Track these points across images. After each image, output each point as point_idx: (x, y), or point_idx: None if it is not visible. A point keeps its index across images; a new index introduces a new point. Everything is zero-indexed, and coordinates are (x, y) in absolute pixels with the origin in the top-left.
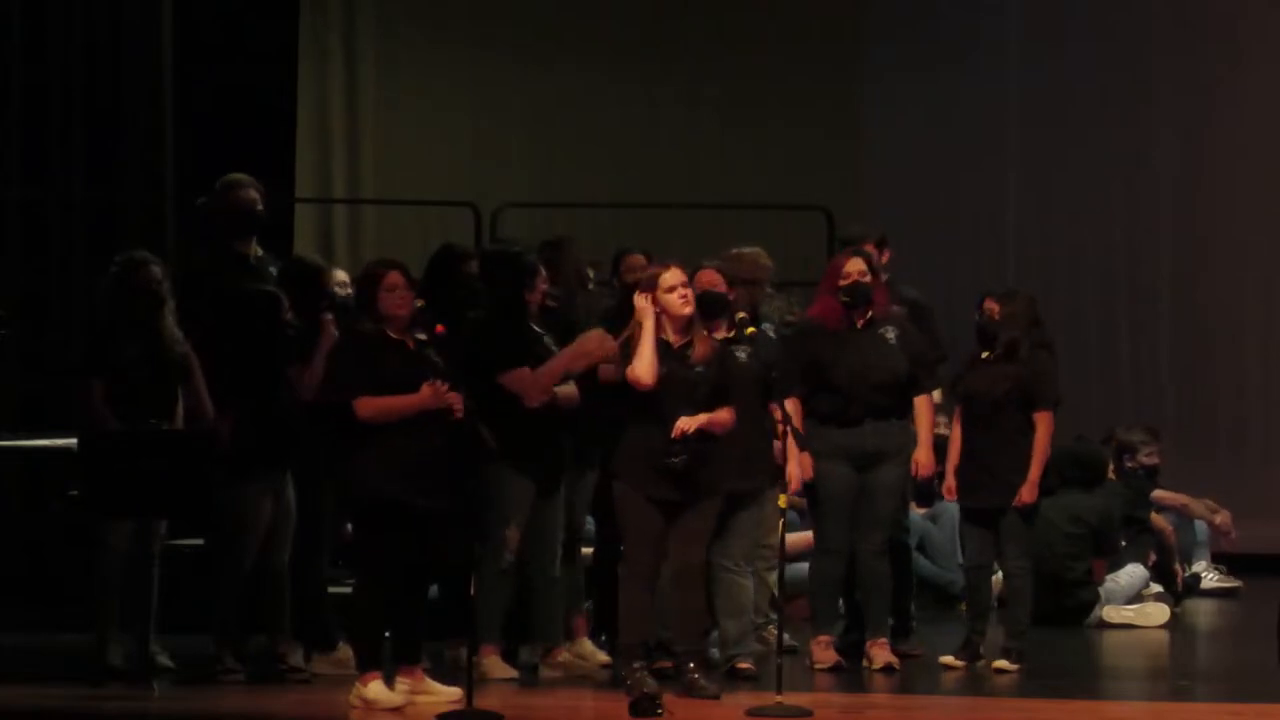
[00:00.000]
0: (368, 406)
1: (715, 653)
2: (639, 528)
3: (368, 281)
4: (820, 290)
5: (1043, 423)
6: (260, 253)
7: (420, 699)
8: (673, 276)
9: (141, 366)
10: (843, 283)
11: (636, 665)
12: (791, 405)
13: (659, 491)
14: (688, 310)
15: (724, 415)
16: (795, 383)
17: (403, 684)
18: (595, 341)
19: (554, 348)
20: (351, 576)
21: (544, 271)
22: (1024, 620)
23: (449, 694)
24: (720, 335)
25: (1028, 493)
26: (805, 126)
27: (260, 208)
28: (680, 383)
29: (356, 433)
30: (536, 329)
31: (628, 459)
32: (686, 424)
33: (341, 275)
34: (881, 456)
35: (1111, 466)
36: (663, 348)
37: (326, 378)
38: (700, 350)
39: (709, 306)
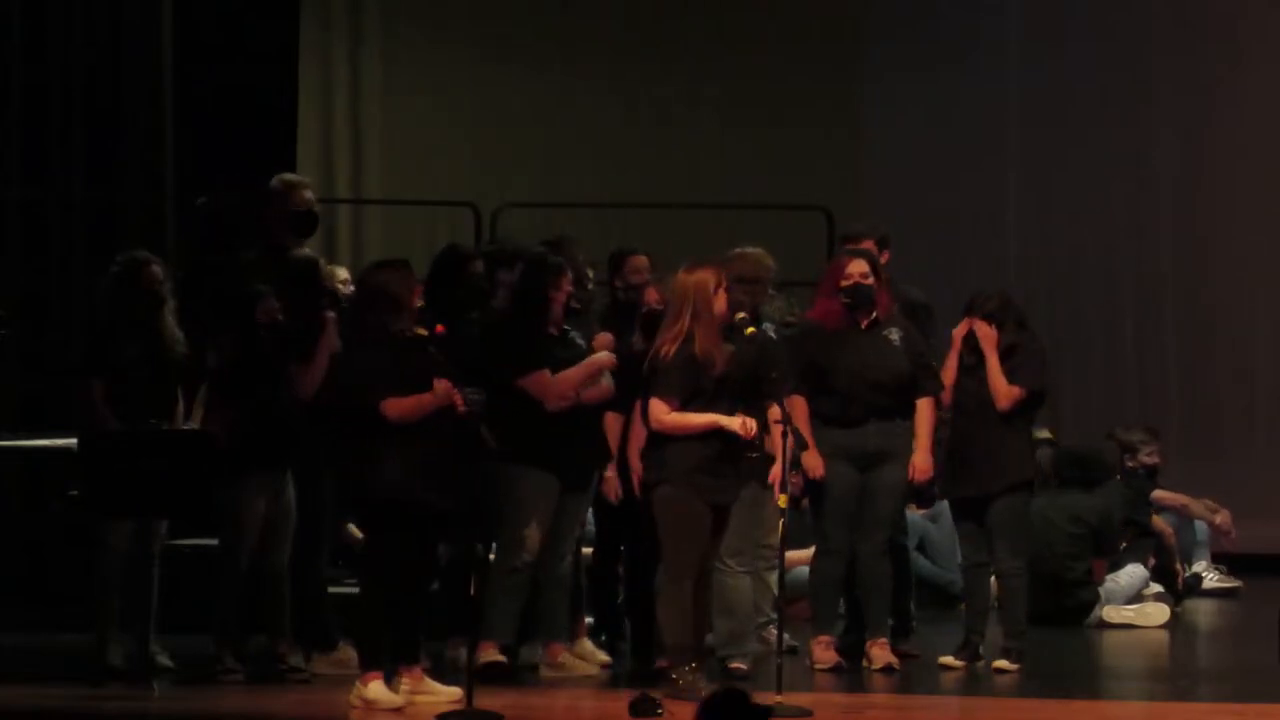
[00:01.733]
0: (396, 408)
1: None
2: (692, 531)
3: (405, 280)
4: (820, 291)
5: (1015, 393)
6: (307, 252)
7: (420, 699)
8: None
9: (141, 366)
10: (844, 284)
11: (688, 667)
12: (796, 404)
13: (718, 495)
14: (739, 314)
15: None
16: (799, 382)
17: (403, 684)
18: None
19: (580, 342)
20: (352, 576)
21: (569, 272)
22: (1021, 620)
23: (449, 694)
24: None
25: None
26: (805, 126)
27: (317, 208)
28: (732, 382)
29: (380, 433)
30: (565, 327)
31: (682, 463)
32: (754, 424)
33: (343, 273)
34: (884, 457)
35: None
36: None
37: (358, 379)
38: (735, 352)
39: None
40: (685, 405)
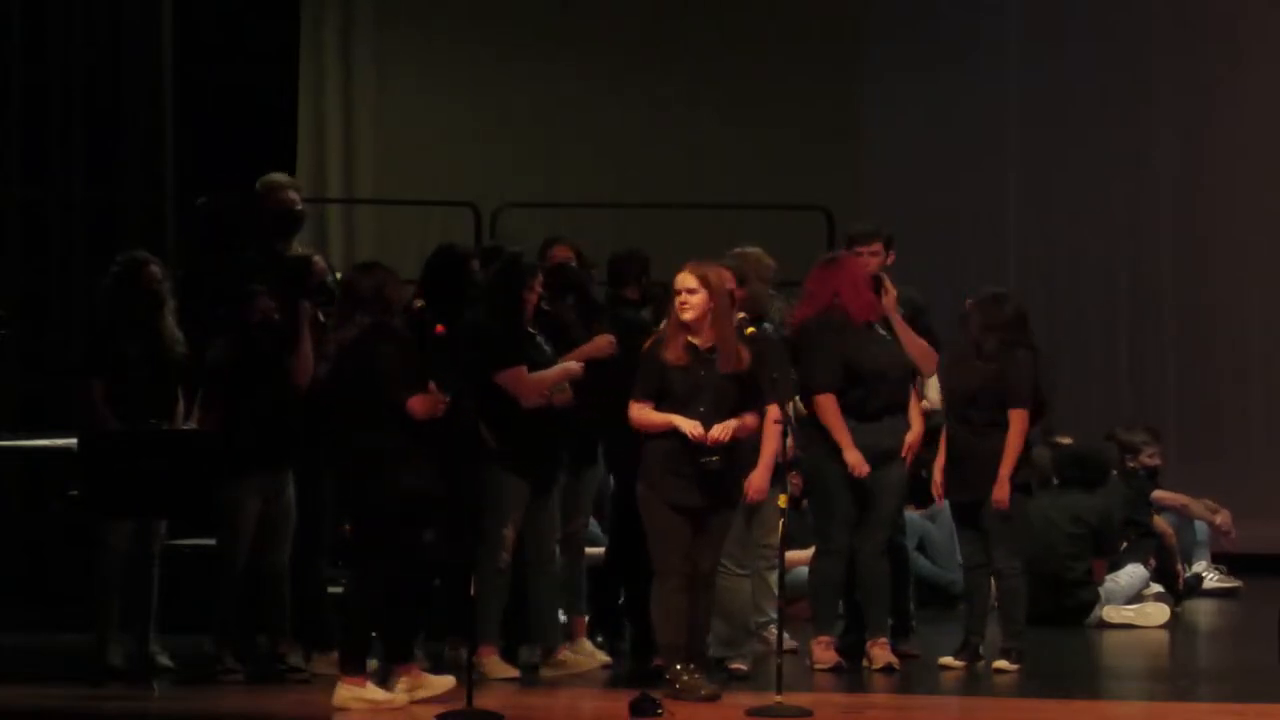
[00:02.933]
0: (424, 405)
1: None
2: (662, 530)
3: (391, 278)
4: (854, 285)
5: (1015, 421)
6: (300, 251)
7: (420, 694)
8: (679, 281)
9: (141, 366)
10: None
11: (680, 667)
12: (829, 402)
13: (683, 498)
14: (685, 316)
15: (751, 420)
16: (832, 379)
17: (400, 683)
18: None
19: (546, 347)
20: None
21: (541, 274)
22: (1020, 620)
23: (443, 683)
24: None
25: (998, 490)
26: (805, 126)
27: (300, 208)
28: (708, 386)
29: (406, 431)
30: (530, 330)
31: (652, 464)
32: (720, 432)
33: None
34: (891, 454)
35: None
36: (690, 349)
37: (386, 379)
38: (727, 355)
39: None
40: (660, 404)
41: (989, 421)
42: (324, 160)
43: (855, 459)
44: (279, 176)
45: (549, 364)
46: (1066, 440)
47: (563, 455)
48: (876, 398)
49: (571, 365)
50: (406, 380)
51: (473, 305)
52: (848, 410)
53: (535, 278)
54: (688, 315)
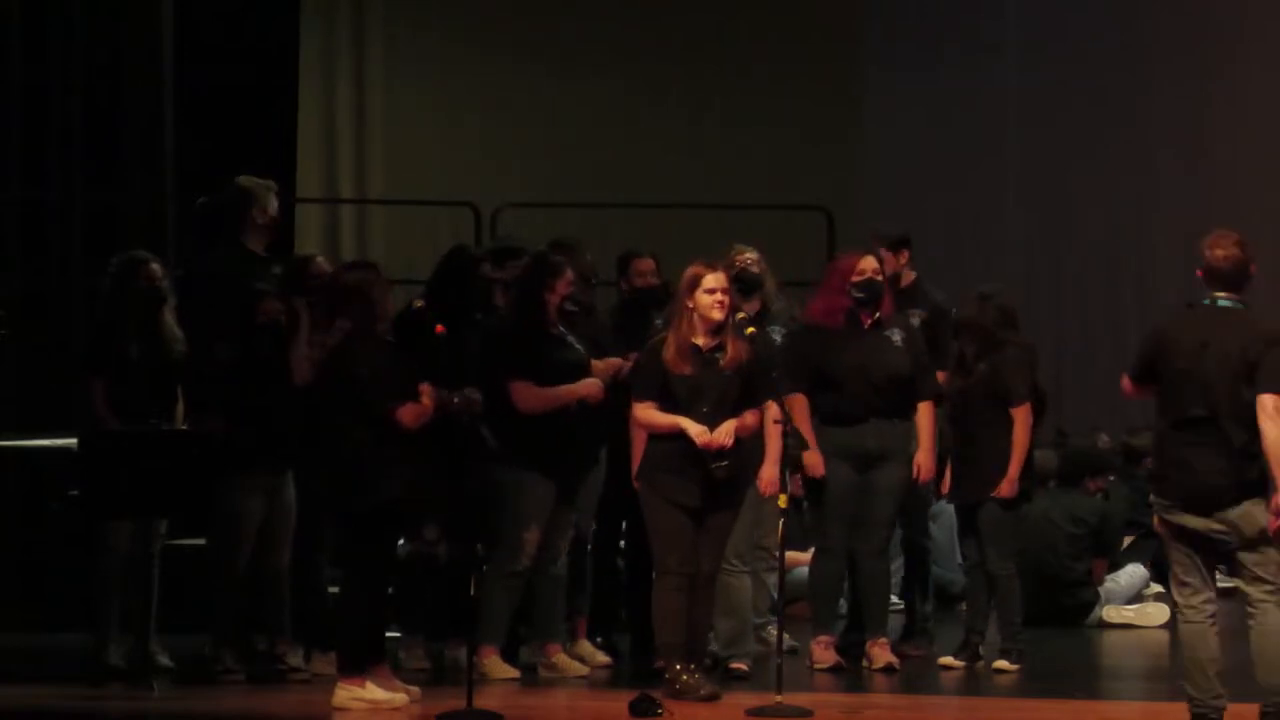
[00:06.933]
0: (413, 415)
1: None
2: (659, 529)
3: (376, 283)
4: (822, 289)
5: (1017, 418)
6: (311, 253)
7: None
8: (714, 280)
9: (141, 366)
10: (857, 279)
11: (680, 666)
12: (797, 403)
13: (683, 497)
14: (718, 316)
15: (751, 419)
16: (799, 381)
17: (379, 682)
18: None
19: (577, 346)
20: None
21: (568, 273)
22: (1016, 621)
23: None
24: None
25: (1006, 488)
26: (805, 126)
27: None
28: (710, 387)
29: (390, 437)
30: (561, 329)
31: (653, 464)
32: (724, 437)
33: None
34: (882, 456)
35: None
36: (693, 350)
37: (377, 387)
38: (731, 355)
39: (746, 284)
40: (661, 405)
41: (980, 423)
42: (331, 161)
43: (814, 460)
44: (268, 183)
45: (579, 363)
46: (1076, 440)
47: (591, 458)
48: (850, 402)
49: (581, 386)
50: (392, 389)
51: (488, 306)
52: (828, 415)
53: (559, 278)
54: (720, 315)
